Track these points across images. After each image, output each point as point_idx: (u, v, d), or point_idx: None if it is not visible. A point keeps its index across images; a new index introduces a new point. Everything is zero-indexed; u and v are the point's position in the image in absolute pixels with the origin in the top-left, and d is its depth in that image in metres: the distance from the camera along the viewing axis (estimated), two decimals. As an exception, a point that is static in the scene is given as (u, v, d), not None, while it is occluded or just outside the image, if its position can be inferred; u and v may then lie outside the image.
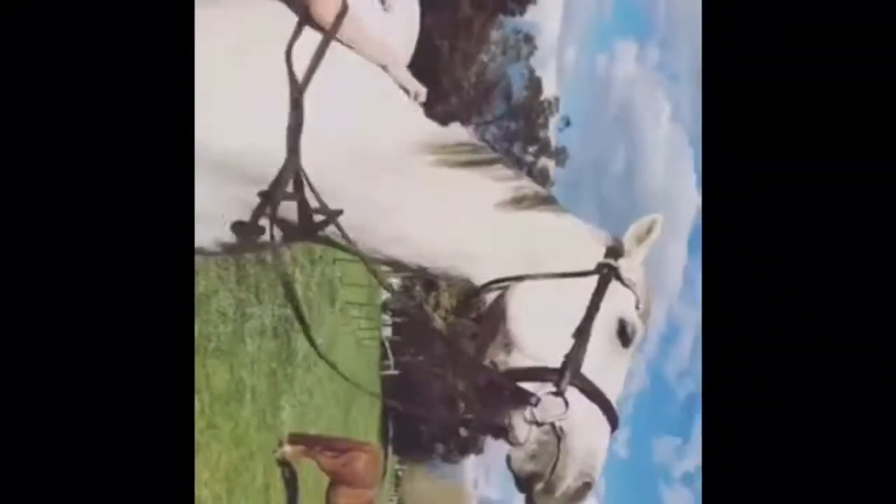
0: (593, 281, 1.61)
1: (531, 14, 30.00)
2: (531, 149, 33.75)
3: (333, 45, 1.69)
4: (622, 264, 1.64)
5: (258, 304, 7.66)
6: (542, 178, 33.31)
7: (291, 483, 8.23)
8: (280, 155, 1.56)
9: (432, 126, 1.73)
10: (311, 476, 8.56)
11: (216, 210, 1.60)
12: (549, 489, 1.50)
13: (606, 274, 1.62)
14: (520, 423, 1.53)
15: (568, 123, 36.50)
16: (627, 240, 1.67)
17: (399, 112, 1.71)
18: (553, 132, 34.57)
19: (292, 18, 1.68)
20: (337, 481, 7.80)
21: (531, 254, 1.63)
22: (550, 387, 1.52)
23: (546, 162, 34.07)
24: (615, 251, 1.66)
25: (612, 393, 1.56)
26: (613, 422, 1.55)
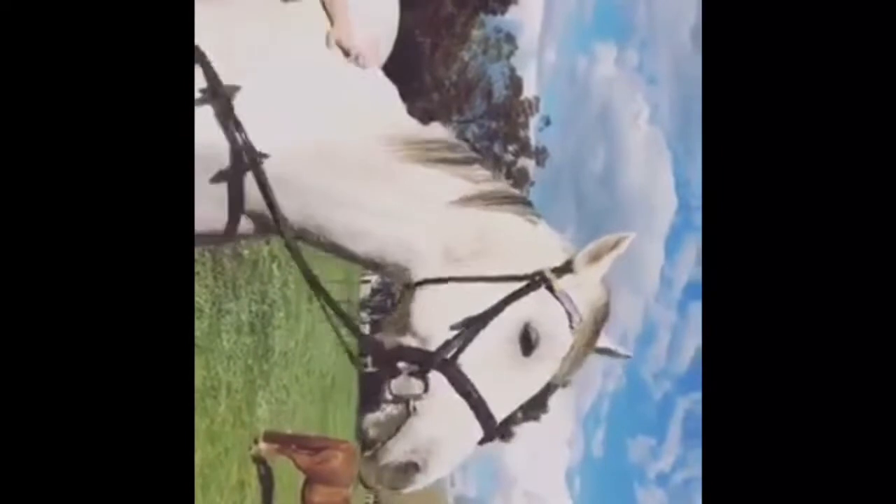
0: (520, 286, 1.57)
1: (512, 13, 30.07)
2: (511, 148, 33.74)
3: (318, 43, 1.71)
4: (565, 279, 1.58)
5: (235, 299, 7.62)
6: (521, 177, 33.35)
7: (267, 480, 8.19)
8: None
9: (411, 123, 1.73)
10: (287, 473, 8.53)
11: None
12: (375, 457, 1.50)
13: (536, 282, 1.57)
14: (382, 394, 1.52)
15: (548, 123, 36.55)
16: (578, 258, 1.60)
17: (379, 109, 1.71)
18: (533, 132, 34.63)
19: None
20: (312, 479, 7.77)
21: (477, 252, 1.60)
22: (416, 367, 1.51)
23: (526, 161, 34.11)
24: (567, 266, 1.60)
25: (497, 398, 1.50)
26: (487, 426, 1.50)
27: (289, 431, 9.40)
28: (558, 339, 1.57)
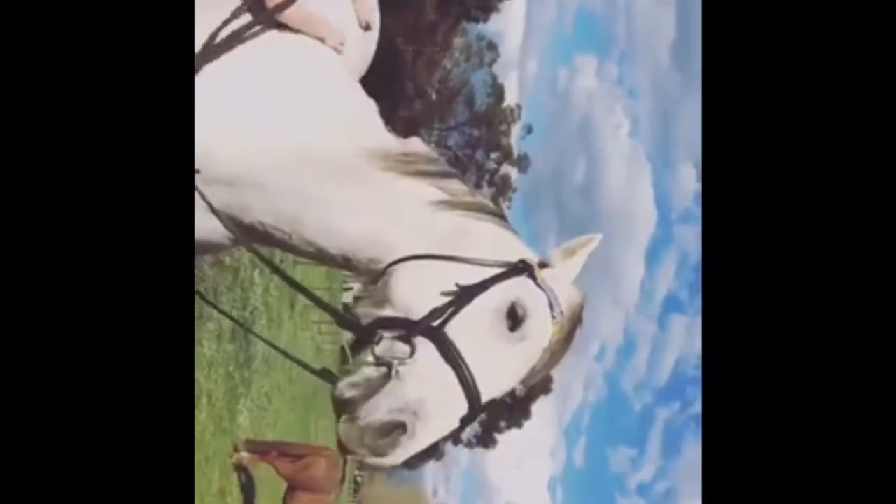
0: (503, 270, 1.57)
1: (494, 22, 30.19)
2: (493, 155, 33.82)
3: (306, 49, 1.76)
4: (545, 272, 1.61)
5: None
6: (504, 184, 33.43)
7: (248, 488, 8.15)
8: (232, 156, 1.61)
9: (391, 137, 1.75)
10: (269, 481, 8.48)
11: None
12: (355, 417, 1.41)
13: (520, 269, 1.58)
14: (358, 360, 1.48)
15: (530, 131, 36.68)
16: (554, 253, 1.66)
17: (359, 124, 1.74)
18: (515, 139, 34.71)
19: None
20: (294, 486, 7.74)
21: (454, 247, 1.59)
22: (401, 332, 1.48)
23: (508, 169, 34.19)
24: (544, 264, 1.64)
25: (482, 374, 1.47)
26: (471, 402, 1.46)
27: (270, 439, 9.36)
28: (542, 324, 1.57)
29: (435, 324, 1.48)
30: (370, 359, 1.46)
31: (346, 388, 1.45)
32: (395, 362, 1.43)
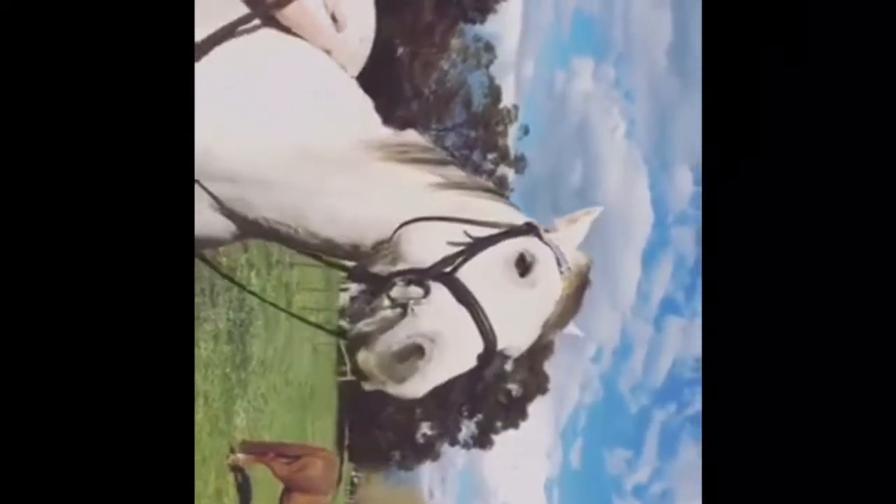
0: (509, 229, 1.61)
1: (491, 23, 30.25)
2: (490, 156, 33.88)
3: (301, 47, 1.77)
4: (550, 235, 1.66)
5: (212, 307, 7.58)
6: (501, 185, 33.48)
7: (244, 489, 8.14)
8: (225, 151, 1.62)
9: (387, 130, 1.79)
10: (265, 482, 8.48)
11: None
12: (371, 345, 1.42)
13: (525, 229, 1.62)
14: (374, 306, 1.50)
15: (527, 132, 36.76)
16: (558, 220, 1.73)
17: (356, 120, 1.77)
18: (512, 140, 34.77)
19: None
20: (291, 487, 7.74)
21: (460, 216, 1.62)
22: (414, 277, 1.50)
23: (505, 170, 34.25)
24: (547, 231, 1.69)
25: (498, 318, 1.49)
26: (487, 341, 1.48)
27: (266, 440, 9.35)
28: (551, 274, 1.60)
29: (447, 270, 1.51)
30: (386, 303, 1.49)
31: (363, 326, 1.47)
32: (411, 302, 1.46)
